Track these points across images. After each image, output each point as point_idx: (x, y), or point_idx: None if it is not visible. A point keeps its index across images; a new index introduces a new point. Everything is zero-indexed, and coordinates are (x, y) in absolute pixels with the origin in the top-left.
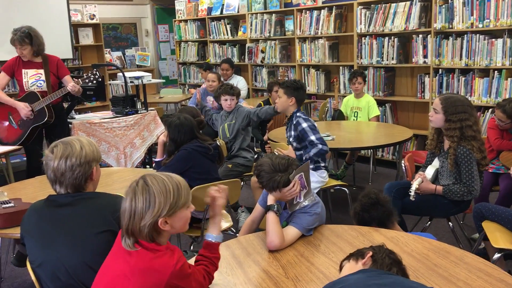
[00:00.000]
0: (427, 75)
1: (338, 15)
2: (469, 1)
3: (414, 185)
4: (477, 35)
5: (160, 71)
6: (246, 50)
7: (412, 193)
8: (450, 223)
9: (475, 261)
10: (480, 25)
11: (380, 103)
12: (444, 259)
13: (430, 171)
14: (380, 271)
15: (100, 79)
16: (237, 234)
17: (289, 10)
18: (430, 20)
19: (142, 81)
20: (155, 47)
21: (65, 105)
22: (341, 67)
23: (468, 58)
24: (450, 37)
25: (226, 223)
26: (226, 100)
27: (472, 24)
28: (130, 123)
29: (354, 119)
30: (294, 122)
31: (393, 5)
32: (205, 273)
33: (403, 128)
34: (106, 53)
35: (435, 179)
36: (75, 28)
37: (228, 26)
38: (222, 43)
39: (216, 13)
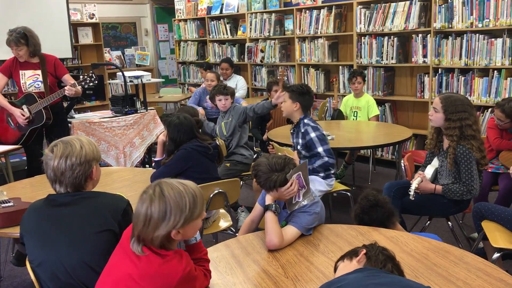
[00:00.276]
0: (426, 75)
1: (338, 14)
2: (469, 0)
3: (414, 184)
4: (477, 34)
5: (160, 70)
6: (246, 49)
7: (411, 193)
8: (449, 222)
9: (475, 260)
10: (480, 25)
11: (379, 102)
12: (443, 259)
13: (429, 171)
14: (377, 270)
15: (96, 82)
16: (237, 234)
17: (288, 9)
18: (429, 19)
19: (141, 80)
20: (155, 46)
21: (65, 104)
22: (340, 67)
23: (467, 57)
24: (449, 36)
25: (225, 223)
26: (220, 100)
27: (471, 23)
28: (130, 123)
29: (353, 119)
30: (303, 130)
31: (393, 4)
32: (205, 271)
33: (403, 128)
34: (105, 53)
35: (435, 179)
36: (74, 27)
37: (227, 26)
38: (221, 42)
39: (215, 12)
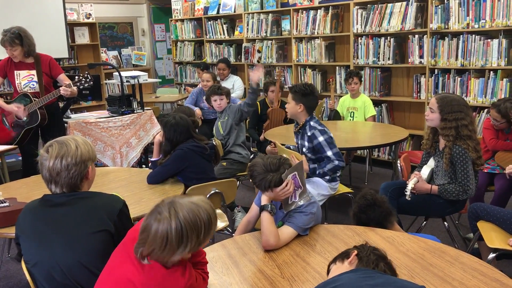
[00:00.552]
0: (423, 75)
1: (335, 15)
2: (465, 1)
3: (410, 185)
4: (473, 35)
5: (157, 70)
6: (243, 49)
7: (408, 193)
8: (445, 223)
9: (470, 260)
10: (476, 26)
11: (376, 103)
12: (439, 259)
13: (425, 171)
14: (371, 271)
15: (91, 83)
16: (233, 234)
17: (285, 10)
18: (426, 20)
19: (138, 80)
20: (151, 46)
21: (61, 104)
22: (337, 67)
23: (464, 58)
24: (446, 37)
25: (222, 223)
26: (215, 100)
27: (468, 24)
28: (126, 123)
29: (350, 119)
30: (309, 134)
31: (389, 5)
32: (203, 275)
33: (399, 128)
34: (102, 53)
35: (431, 179)
36: (71, 27)
37: (224, 26)
38: (218, 42)
39: (212, 12)
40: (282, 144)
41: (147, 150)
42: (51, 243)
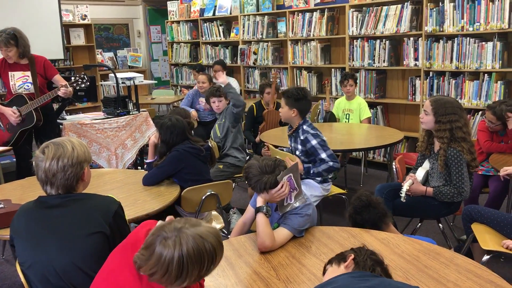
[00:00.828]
0: (418, 78)
1: (330, 17)
2: (460, 4)
3: (405, 186)
4: (468, 38)
5: (152, 72)
6: (239, 51)
7: (403, 195)
8: (440, 224)
9: (465, 262)
10: (471, 29)
11: (371, 105)
12: (434, 261)
13: (420, 173)
14: (366, 273)
15: (88, 83)
16: (229, 236)
17: (281, 12)
18: (421, 23)
19: (134, 82)
20: (147, 48)
21: (56, 106)
22: (333, 69)
23: (458, 61)
24: (440, 40)
25: (217, 225)
26: (214, 102)
27: (462, 27)
28: (122, 124)
29: (345, 121)
30: (302, 138)
31: (385, 8)
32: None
33: (394, 130)
34: (97, 54)
35: (426, 181)
36: (66, 28)
37: (220, 28)
38: (214, 44)
39: (208, 14)
40: (276, 146)
41: (143, 151)
42: (46, 245)
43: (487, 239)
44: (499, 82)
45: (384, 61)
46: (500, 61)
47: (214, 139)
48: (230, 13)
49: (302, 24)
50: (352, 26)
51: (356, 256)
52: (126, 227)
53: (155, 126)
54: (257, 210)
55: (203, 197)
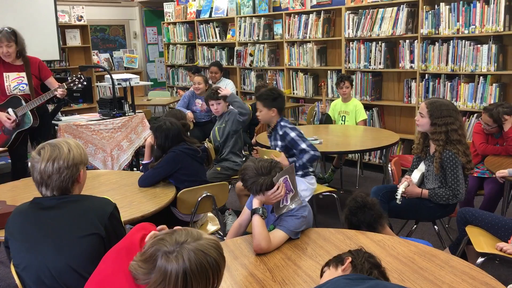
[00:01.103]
0: (413, 80)
1: (326, 19)
2: (455, 7)
3: (401, 188)
4: (463, 41)
5: (148, 73)
6: (235, 53)
7: (398, 197)
8: (435, 226)
9: (460, 264)
10: (466, 31)
11: (367, 107)
12: (429, 262)
13: (416, 175)
14: (362, 276)
15: (85, 83)
16: (225, 238)
17: (277, 14)
18: (416, 25)
19: (130, 83)
20: (143, 49)
21: (51, 107)
22: (329, 71)
23: (454, 63)
24: (436, 42)
25: (213, 226)
26: (212, 105)
27: (458, 30)
28: (118, 126)
29: (341, 123)
30: (281, 133)
31: (381, 10)
32: None
33: (390, 132)
34: (93, 55)
35: (421, 183)
36: (62, 29)
37: (216, 29)
38: (210, 46)
39: (205, 16)
40: (263, 146)
41: (139, 153)
42: (41, 247)
43: (482, 241)
44: (494, 84)
45: (380, 63)
46: (495, 64)
47: (213, 142)
48: (227, 15)
49: (298, 26)
50: (348, 28)
51: (353, 259)
52: (122, 229)
53: (150, 129)
54: (253, 212)
55: (199, 199)
